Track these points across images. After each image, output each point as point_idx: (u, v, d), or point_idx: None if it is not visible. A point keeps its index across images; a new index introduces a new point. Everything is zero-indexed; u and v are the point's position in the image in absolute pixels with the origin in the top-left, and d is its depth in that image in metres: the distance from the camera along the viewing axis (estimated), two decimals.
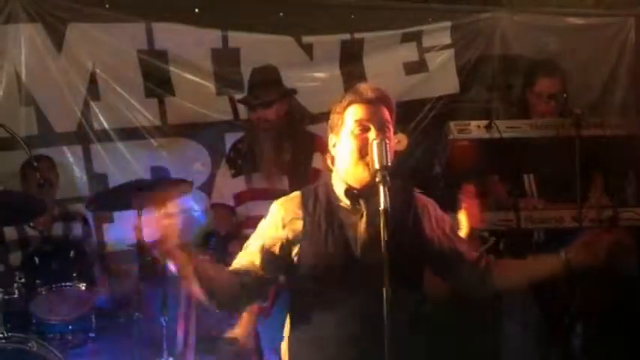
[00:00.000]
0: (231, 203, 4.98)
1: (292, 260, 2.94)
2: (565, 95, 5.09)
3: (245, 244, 3.04)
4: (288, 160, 4.80)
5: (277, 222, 2.98)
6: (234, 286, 2.90)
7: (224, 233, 4.94)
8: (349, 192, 2.94)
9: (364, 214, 2.92)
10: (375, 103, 2.96)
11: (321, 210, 2.96)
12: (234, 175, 4.98)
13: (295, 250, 2.93)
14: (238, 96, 5.63)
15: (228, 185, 4.99)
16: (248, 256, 2.97)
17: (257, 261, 2.94)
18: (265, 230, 2.99)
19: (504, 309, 5.09)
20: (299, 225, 2.95)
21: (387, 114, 2.96)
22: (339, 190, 2.97)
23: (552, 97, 5.00)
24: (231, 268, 2.97)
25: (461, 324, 4.15)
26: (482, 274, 3.08)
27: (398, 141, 3.90)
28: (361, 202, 2.93)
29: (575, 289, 4.78)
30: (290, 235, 2.94)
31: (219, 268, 2.95)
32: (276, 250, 2.95)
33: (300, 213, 2.97)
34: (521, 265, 3.24)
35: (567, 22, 6.07)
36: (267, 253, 2.94)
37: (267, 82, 4.93)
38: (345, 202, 2.95)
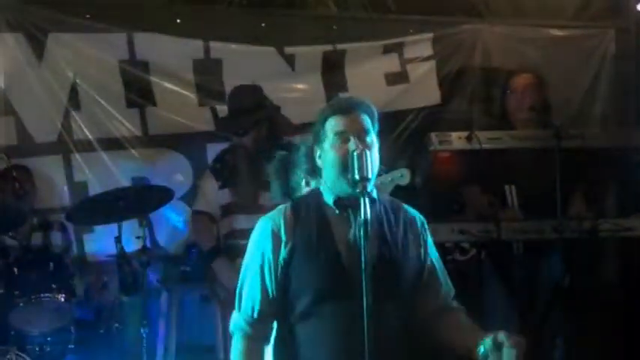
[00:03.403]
0: (216, 212, 4.96)
1: (287, 271, 2.92)
2: (548, 105, 5.12)
3: (244, 284, 3.00)
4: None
5: (275, 240, 2.94)
6: None
7: (207, 247, 4.91)
8: (339, 202, 2.94)
9: (353, 223, 2.92)
10: (353, 111, 2.95)
11: (311, 219, 2.95)
12: (221, 187, 4.97)
13: (289, 261, 2.91)
14: (220, 106, 5.62)
15: (215, 196, 4.97)
16: (265, 296, 2.94)
17: (273, 290, 2.92)
18: (269, 255, 2.94)
19: (485, 323, 5.10)
20: (291, 237, 2.93)
21: (367, 121, 2.95)
22: (329, 199, 2.97)
23: (527, 89, 5.04)
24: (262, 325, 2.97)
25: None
26: (440, 315, 3.02)
27: (401, 175, 3.91)
28: (350, 212, 2.92)
29: (555, 302, 4.80)
30: (285, 252, 2.93)
31: None
32: (280, 268, 2.91)
33: (291, 225, 2.95)
34: (466, 330, 3.01)
35: (548, 34, 6.09)
36: (276, 277, 2.92)
37: (242, 110, 4.95)
38: (335, 211, 2.95)
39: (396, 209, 3.05)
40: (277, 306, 2.93)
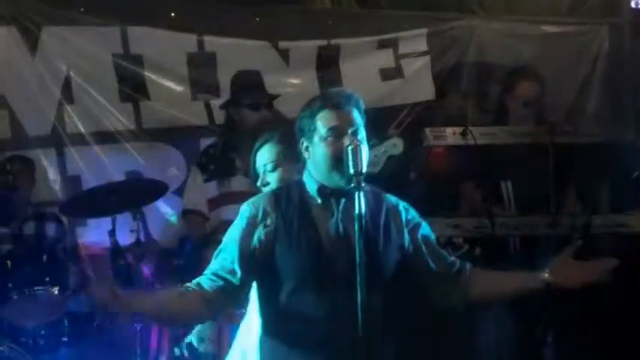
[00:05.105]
0: (204, 208, 4.95)
1: (267, 258, 2.92)
2: (542, 102, 5.12)
3: (217, 250, 3.02)
4: None
5: (250, 221, 2.95)
6: (192, 303, 2.90)
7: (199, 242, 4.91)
8: (322, 191, 2.94)
9: (335, 212, 2.92)
10: (346, 106, 2.95)
11: (293, 208, 2.95)
12: (206, 180, 4.96)
13: (269, 247, 2.92)
14: (214, 101, 5.63)
15: (201, 190, 4.97)
16: (223, 262, 2.95)
17: (234, 264, 2.92)
18: (239, 232, 2.96)
19: (478, 318, 5.11)
20: (271, 223, 2.93)
21: (358, 117, 2.95)
22: (312, 188, 2.97)
23: (531, 100, 5.03)
24: (204, 276, 2.96)
25: (434, 328, 4.14)
26: (456, 283, 3.05)
27: (394, 144, 3.90)
28: (332, 200, 2.93)
29: (547, 299, 4.80)
30: (263, 234, 2.92)
31: (164, 294, 3.05)
32: (251, 250, 2.92)
33: (272, 211, 2.95)
34: (501, 279, 3.14)
35: (542, 30, 6.10)
36: (243, 255, 2.92)
37: (256, 86, 4.97)
38: (317, 200, 2.95)
39: (377, 199, 3.05)
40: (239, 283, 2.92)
